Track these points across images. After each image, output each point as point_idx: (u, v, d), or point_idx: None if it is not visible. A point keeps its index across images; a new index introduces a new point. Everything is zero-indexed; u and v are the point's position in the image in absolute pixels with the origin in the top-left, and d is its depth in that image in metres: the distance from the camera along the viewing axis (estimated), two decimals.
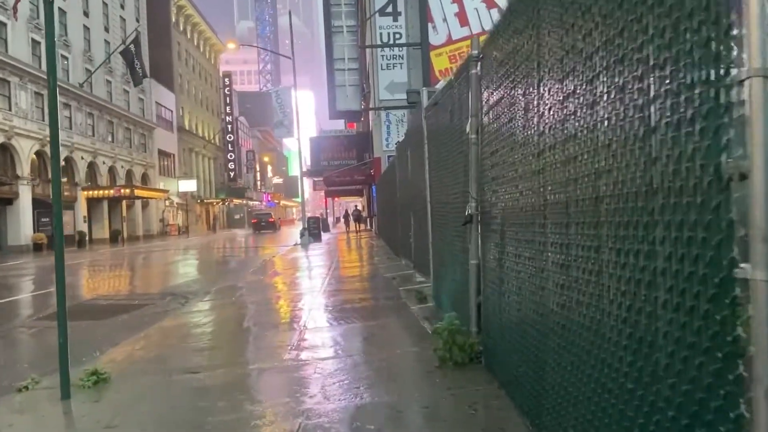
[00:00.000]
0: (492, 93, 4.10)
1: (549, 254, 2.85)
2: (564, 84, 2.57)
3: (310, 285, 11.98)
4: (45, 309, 10.74)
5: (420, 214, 9.04)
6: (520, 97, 3.31)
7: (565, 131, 2.55)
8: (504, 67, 3.70)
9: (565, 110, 2.55)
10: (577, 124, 2.41)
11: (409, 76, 28.11)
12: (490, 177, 4.24)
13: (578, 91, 2.39)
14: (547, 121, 2.82)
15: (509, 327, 3.75)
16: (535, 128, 3.02)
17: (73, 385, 4.97)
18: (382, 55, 28.04)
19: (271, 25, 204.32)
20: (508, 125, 3.62)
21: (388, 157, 27.54)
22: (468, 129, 4.87)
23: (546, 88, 2.84)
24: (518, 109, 3.38)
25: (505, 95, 3.70)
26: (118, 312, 9.99)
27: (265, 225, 54.86)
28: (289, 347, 6.06)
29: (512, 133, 3.51)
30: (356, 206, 43.35)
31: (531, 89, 3.10)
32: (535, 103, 3.02)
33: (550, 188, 2.81)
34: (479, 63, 4.56)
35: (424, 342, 5.64)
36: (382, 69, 28.09)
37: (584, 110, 2.33)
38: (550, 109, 2.78)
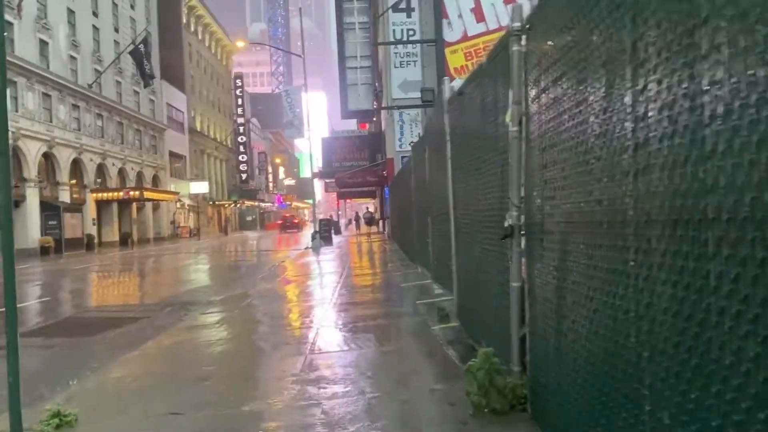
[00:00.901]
0: (546, 71, 3.18)
1: (659, 290, 1.92)
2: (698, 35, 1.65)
3: (320, 296, 11.10)
4: (35, 322, 9.94)
5: (440, 221, 8.13)
6: (599, 69, 2.38)
7: (704, 109, 1.62)
8: (567, 33, 2.78)
9: (706, 75, 1.63)
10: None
11: (424, 74, 27.26)
12: (542, 179, 3.32)
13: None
14: (656, 96, 1.90)
15: (573, 376, 2.83)
16: (629, 110, 2.10)
17: (31, 431, 4.13)
18: (396, 53, 27.19)
19: (284, 27, 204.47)
20: (573, 111, 2.70)
21: (402, 157, 26.65)
22: (507, 119, 3.96)
23: (653, 49, 1.91)
24: (593, 87, 2.45)
25: (569, 71, 2.78)
26: (110, 327, 9.16)
27: (289, 225, 62.53)
28: (293, 379, 5.16)
29: (583, 120, 2.59)
30: (368, 208, 41.92)
31: (619, 54, 2.18)
32: (629, 75, 2.10)
33: (663, 195, 1.88)
34: (524, 37, 3.64)
35: (451, 377, 4.73)
36: (395, 67, 27.23)
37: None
38: (661, 80, 1.86)
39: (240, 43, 38.84)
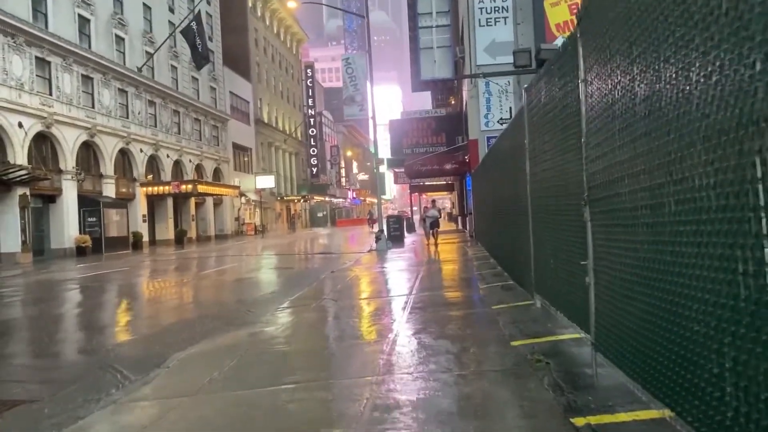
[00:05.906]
0: None
1: None
2: None
3: (356, 367, 5.91)
4: None
5: (645, 223, 2.74)
6: None
7: None
8: None
9: None
10: None
11: (516, 34, 21.64)
12: None
13: None
14: None
15: None
16: None
17: None
18: (481, 8, 21.69)
19: (359, 19, 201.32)
20: None
21: (488, 138, 21.22)
22: None
23: None
24: None
25: None
26: None
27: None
28: None
29: None
30: (434, 202, 29.63)
31: None
32: None
33: None
34: None
35: None
36: (480, 26, 21.73)
37: None
38: None
39: (291, 4, 34.09)
